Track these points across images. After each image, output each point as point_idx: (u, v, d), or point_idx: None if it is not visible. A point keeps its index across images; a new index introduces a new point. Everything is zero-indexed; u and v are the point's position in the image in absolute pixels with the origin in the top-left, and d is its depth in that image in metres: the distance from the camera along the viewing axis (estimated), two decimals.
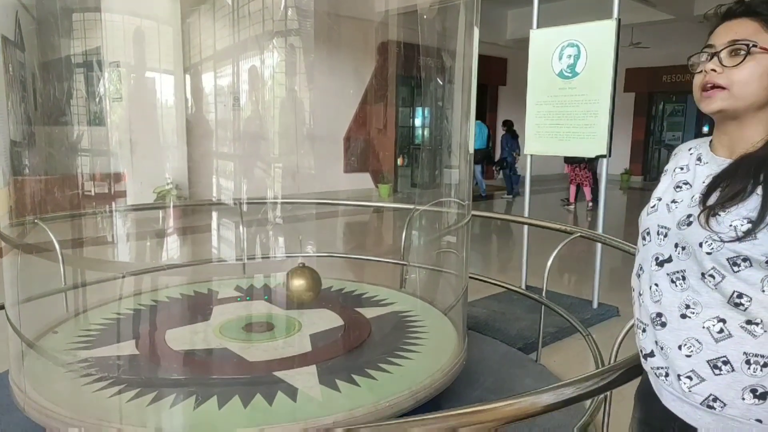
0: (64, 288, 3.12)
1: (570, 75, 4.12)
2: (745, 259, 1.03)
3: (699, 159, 1.19)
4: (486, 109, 13.51)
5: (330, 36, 7.16)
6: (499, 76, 13.28)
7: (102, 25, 4.01)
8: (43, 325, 2.76)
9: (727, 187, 1.06)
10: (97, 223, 3.63)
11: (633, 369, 1.35)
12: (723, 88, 1.07)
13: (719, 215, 1.04)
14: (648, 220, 1.22)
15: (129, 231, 3.81)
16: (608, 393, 2.02)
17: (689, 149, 1.25)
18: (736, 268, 1.04)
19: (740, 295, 1.04)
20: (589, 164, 9.73)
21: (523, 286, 4.43)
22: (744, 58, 1.04)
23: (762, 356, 1.03)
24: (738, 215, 1.02)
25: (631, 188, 13.48)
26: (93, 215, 3.63)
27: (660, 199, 1.22)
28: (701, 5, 8.93)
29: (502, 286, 3.67)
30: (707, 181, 1.12)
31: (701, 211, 1.07)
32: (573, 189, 10.13)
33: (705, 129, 12.62)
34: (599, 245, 4.07)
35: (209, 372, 2.40)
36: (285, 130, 4.54)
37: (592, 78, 4.00)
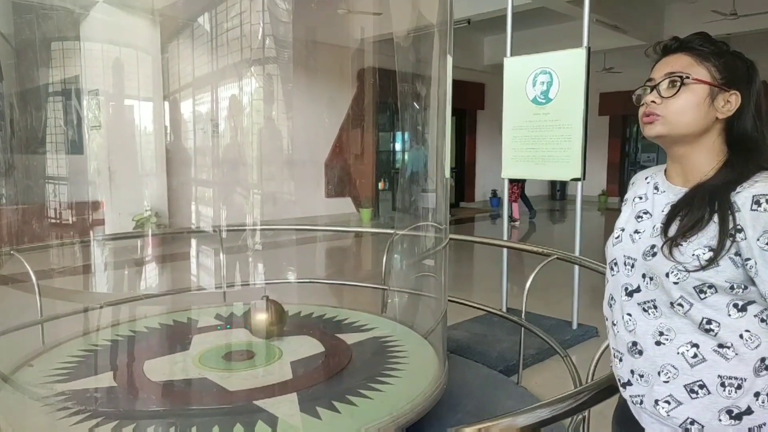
0: (40, 320, 3.07)
1: (543, 101, 4.23)
2: (710, 286, 1.06)
3: (656, 188, 1.23)
4: (465, 133, 13.69)
5: (308, 63, 7.24)
6: (478, 101, 13.50)
7: (81, 54, 4.03)
8: (18, 358, 2.71)
9: (686, 217, 1.10)
10: (74, 253, 3.59)
11: (606, 390, 1.38)
12: (662, 116, 1.13)
13: (681, 245, 1.08)
14: (614, 251, 1.25)
15: (107, 260, 3.77)
16: (587, 413, 2.04)
17: (645, 178, 1.29)
18: (702, 296, 1.07)
19: (709, 321, 1.08)
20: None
21: (504, 309, 4.46)
22: (679, 89, 1.11)
23: (735, 378, 1.06)
24: (699, 244, 1.06)
25: (609, 209, 13.69)
26: (70, 245, 3.59)
27: (623, 230, 1.25)
28: (670, 31, 9.24)
29: (483, 309, 3.69)
30: (666, 210, 1.16)
31: (664, 243, 1.11)
32: (515, 206, 10.88)
33: None
34: (576, 267, 4.12)
35: (188, 403, 2.37)
36: (264, 157, 4.57)
37: (565, 104, 4.11)
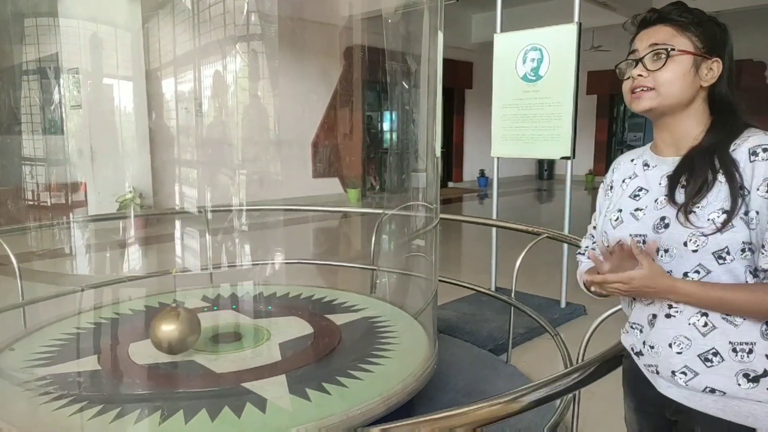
0: (21, 303, 3.01)
1: (534, 78, 4.18)
2: (728, 252, 1.07)
3: (645, 164, 1.24)
4: (453, 113, 13.60)
5: (295, 41, 7.10)
6: (466, 80, 13.39)
7: (58, 31, 3.90)
8: None
9: (690, 181, 1.10)
10: (55, 235, 3.51)
11: (602, 367, 1.37)
12: (651, 88, 1.14)
13: (695, 211, 1.08)
14: (617, 231, 1.23)
15: (90, 242, 3.69)
16: (577, 392, 2.04)
17: (631, 159, 1.29)
18: (720, 261, 1.08)
19: None
20: None
21: (493, 288, 4.46)
22: (665, 61, 1.12)
23: (746, 343, 1.08)
24: (713, 208, 1.07)
25: (596, 188, 13.71)
26: (50, 227, 3.51)
27: (621, 210, 1.24)
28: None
29: (472, 289, 3.68)
30: (664, 182, 1.16)
31: (678, 210, 1.11)
32: None
33: None
34: (566, 245, 4.12)
35: (175, 385, 2.32)
36: (250, 136, 4.48)
37: (555, 81, 4.06)
